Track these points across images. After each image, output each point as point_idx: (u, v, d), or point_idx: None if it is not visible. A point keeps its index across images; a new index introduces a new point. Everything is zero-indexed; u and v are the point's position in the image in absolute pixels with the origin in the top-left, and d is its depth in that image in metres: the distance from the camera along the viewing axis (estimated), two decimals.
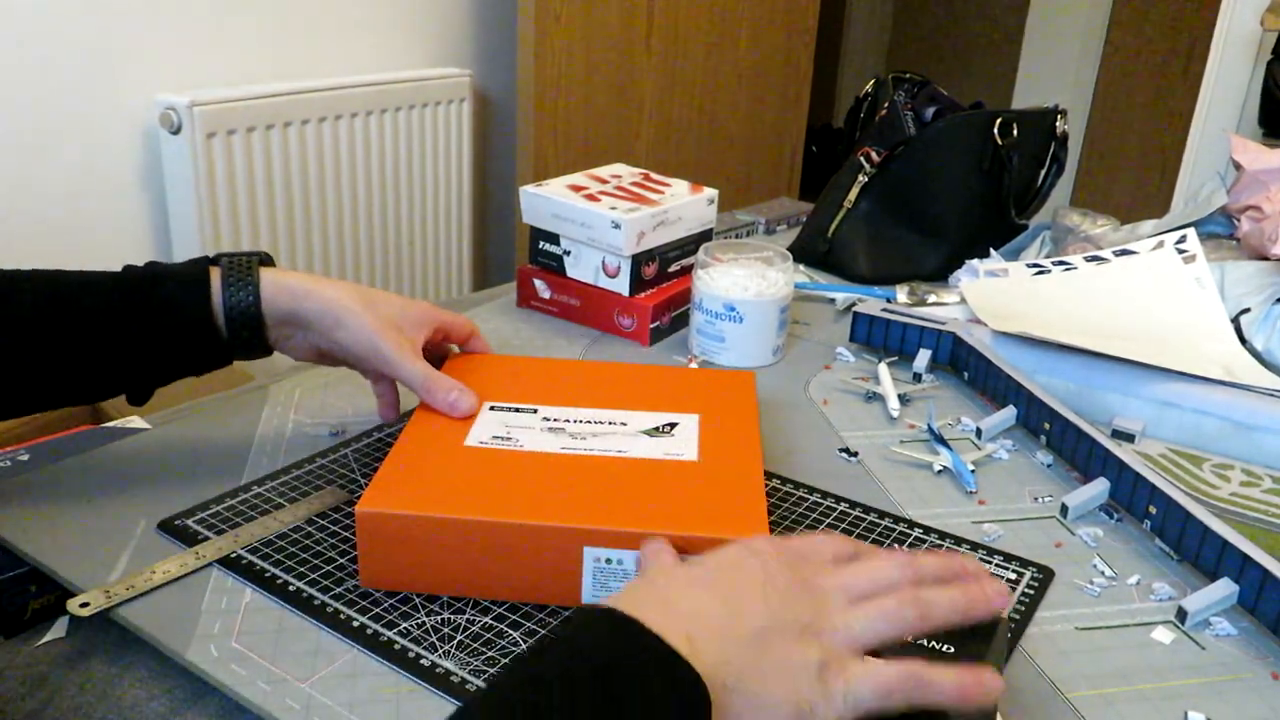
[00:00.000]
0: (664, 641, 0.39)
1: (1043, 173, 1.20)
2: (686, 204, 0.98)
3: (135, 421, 0.75)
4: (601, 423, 0.65)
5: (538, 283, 1.01)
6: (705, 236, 1.02)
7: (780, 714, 0.41)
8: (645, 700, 0.38)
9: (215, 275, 0.64)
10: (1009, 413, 0.81)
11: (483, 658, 0.52)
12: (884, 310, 0.94)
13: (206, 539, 0.61)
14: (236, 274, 0.64)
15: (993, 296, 0.96)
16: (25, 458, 0.69)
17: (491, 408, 0.67)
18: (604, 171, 1.05)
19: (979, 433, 0.80)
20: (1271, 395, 0.77)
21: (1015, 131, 1.13)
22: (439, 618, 0.55)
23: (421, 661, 0.52)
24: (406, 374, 0.67)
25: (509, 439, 0.63)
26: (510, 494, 0.56)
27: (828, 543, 0.48)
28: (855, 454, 0.77)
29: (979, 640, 0.50)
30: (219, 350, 0.65)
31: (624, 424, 0.65)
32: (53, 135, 1.46)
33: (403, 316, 0.70)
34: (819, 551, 0.48)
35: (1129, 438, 0.80)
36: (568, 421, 0.66)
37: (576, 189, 0.98)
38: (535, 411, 0.67)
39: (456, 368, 0.73)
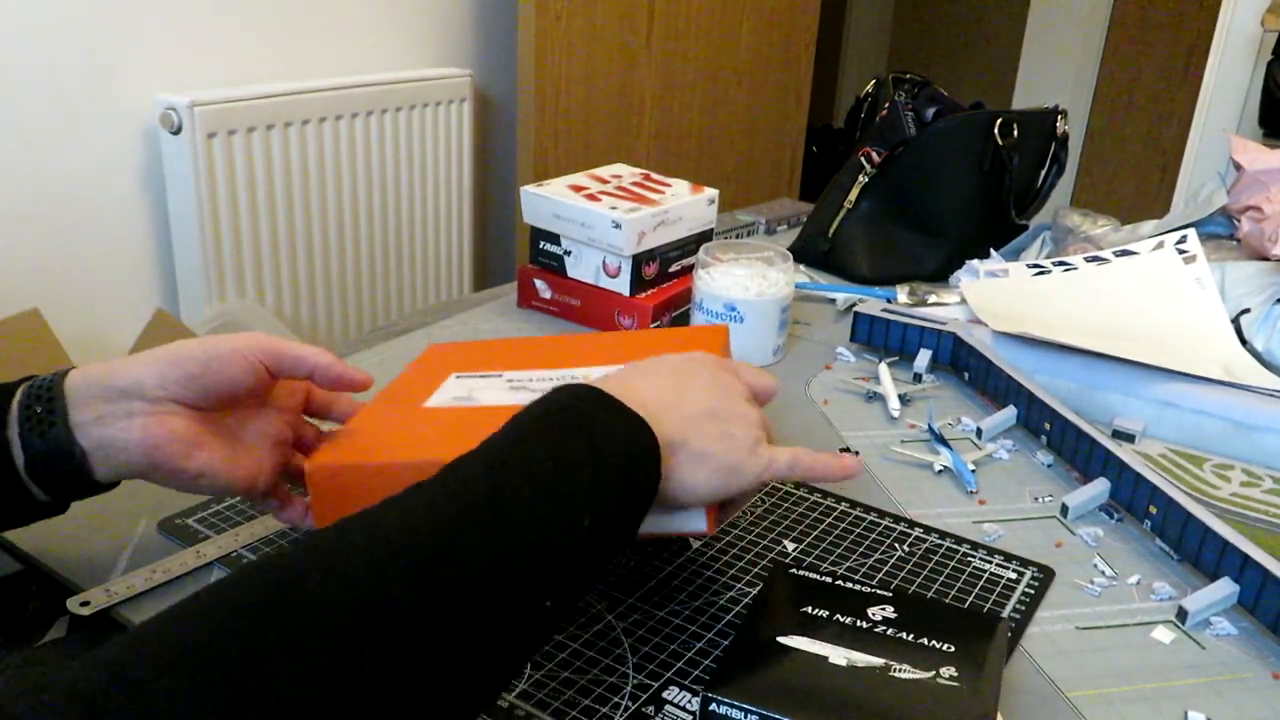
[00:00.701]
0: (624, 404, 0.48)
1: (1043, 173, 1.20)
2: (687, 204, 0.98)
3: None
4: (564, 380, 0.64)
5: (538, 283, 1.01)
6: (706, 236, 1.02)
7: (713, 465, 0.51)
8: (605, 434, 0.47)
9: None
10: (1009, 413, 0.81)
11: None
12: (884, 310, 0.94)
13: (207, 537, 0.61)
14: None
15: (993, 297, 0.96)
16: None
17: (458, 376, 0.65)
18: (604, 171, 1.05)
19: (979, 433, 0.80)
20: (1271, 395, 0.77)
21: (1015, 132, 1.13)
22: None
23: None
24: (298, 347, 0.56)
25: (469, 399, 0.62)
26: (463, 438, 0.50)
27: (749, 375, 0.58)
28: (856, 454, 0.77)
29: (979, 640, 0.50)
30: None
31: (587, 377, 0.64)
32: (53, 135, 1.46)
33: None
34: (742, 385, 0.57)
35: (1129, 438, 0.80)
36: (531, 380, 0.64)
37: (577, 189, 0.98)
38: (500, 375, 0.65)
39: (433, 355, 0.71)
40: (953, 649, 0.49)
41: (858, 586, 0.55)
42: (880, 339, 0.94)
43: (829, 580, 0.55)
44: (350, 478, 0.54)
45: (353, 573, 0.38)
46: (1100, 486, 0.71)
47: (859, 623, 0.51)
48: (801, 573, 0.56)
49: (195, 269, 1.59)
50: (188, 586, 0.57)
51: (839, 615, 0.52)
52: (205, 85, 1.61)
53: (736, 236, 1.31)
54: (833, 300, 1.08)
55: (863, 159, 1.15)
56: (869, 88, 1.24)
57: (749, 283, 0.90)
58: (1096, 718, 0.52)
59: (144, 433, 0.51)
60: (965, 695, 0.46)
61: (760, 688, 0.46)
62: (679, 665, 0.53)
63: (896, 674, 0.47)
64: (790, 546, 0.64)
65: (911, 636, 0.50)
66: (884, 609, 0.52)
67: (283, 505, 0.58)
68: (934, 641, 0.50)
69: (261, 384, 0.55)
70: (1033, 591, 0.61)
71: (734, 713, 0.46)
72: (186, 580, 0.57)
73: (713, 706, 0.46)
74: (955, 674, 0.47)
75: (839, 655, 0.48)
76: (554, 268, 0.99)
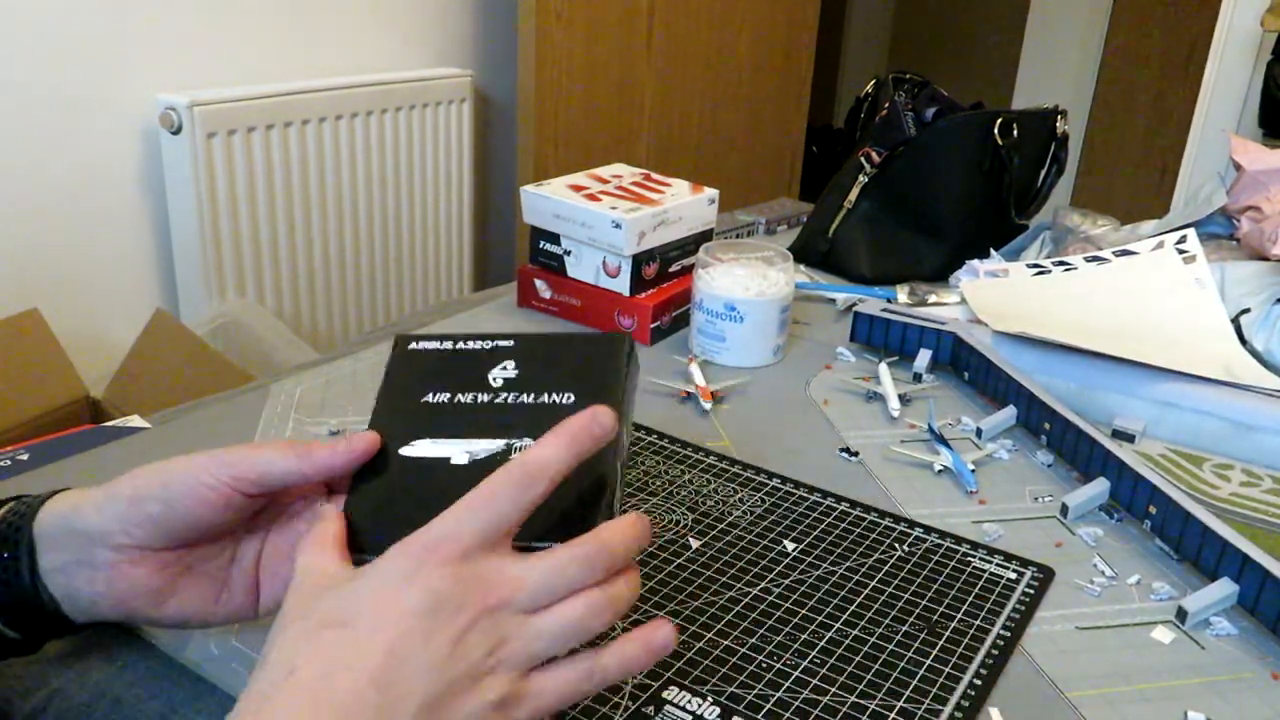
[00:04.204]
0: None
1: (1043, 173, 1.20)
2: (687, 204, 0.98)
3: (135, 421, 0.75)
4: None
5: (538, 283, 1.01)
6: (706, 236, 1.02)
7: None
8: None
9: None
10: (1009, 413, 0.81)
11: None
12: (884, 310, 0.94)
13: None
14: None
15: (993, 297, 0.96)
16: (25, 457, 0.69)
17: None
18: (605, 171, 1.05)
19: (979, 433, 0.80)
20: (1271, 395, 0.77)
21: (1015, 132, 1.13)
22: None
23: None
24: (266, 454, 0.46)
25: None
26: None
27: (503, 518, 0.41)
28: (856, 454, 0.77)
29: (599, 375, 0.49)
30: None
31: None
32: (53, 135, 1.46)
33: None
34: (493, 542, 0.41)
35: (1129, 438, 0.80)
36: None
37: (577, 189, 0.98)
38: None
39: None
40: (572, 398, 0.48)
41: (479, 345, 0.52)
42: (880, 339, 0.94)
43: (449, 348, 0.52)
44: None
45: None
46: (1100, 486, 0.71)
47: (479, 396, 0.49)
48: (420, 346, 0.53)
49: (195, 269, 1.59)
50: None
51: (460, 395, 0.50)
52: (205, 85, 1.61)
53: (736, 236, 1.31)
54: (833, 300, 1.08)
55: (863, 159, 1.15)
56: (869, 88, 1.24)
57: (749, 283, 0.90)
58: (1096, 718, 0.52)
59: (107, 586, 0.45)
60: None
61: (393, 528, 0.42)
62: (679, 665, 0.53)
63: (517, 451, 0.46)
64: (790, 546, 0.64)
65: (533, 396, 0.49)
66: (505, 368, 0.51)
67: None
68: (554, 396, 0.49)
69: (239, 514, 0.47)
70: (1032, 591, 0.61)
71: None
72: None
73: (354, 557, 0.43)
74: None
75: (460, 452, 0.47)
76: (554, 267, 0.99)
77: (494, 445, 0.47)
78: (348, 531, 0.45)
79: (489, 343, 0.52)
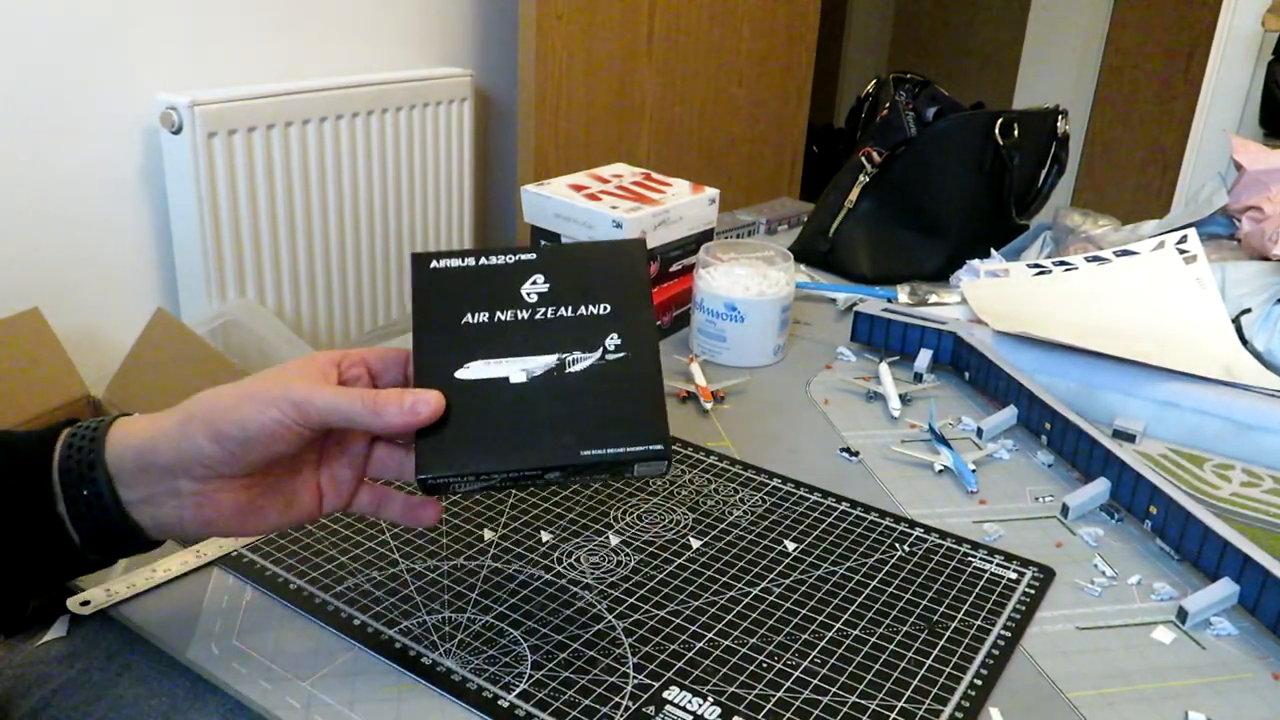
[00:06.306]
0: None
1: (1043, 173, 1.20)
2: (688, 204, 0.98)
3: None
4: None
5: None
6: (706, 236, 1.02)
7: None
8: None
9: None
10: (1010, 413, 0.81)
11: (483, 656, 0.53)
12: (885, 310, 0.94)
13: (208, 536, 0.61)
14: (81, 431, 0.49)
15: (993, 296, 0.96)
16: None
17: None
18: (605, 171, 1.05)
19: (980, 432, 0.80)
20: (1272, 395, 0.77)
21: (1016, 132, 1.13)
22: (439, 616, 0.55)
23: (422, 660, 0.52)
24: (341, 408, 0.47)
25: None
26: None
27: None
28: (856, 454, 0.77)
29: (628, 285, 0.52)
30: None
31: None
32: (53, 135, 1.46)
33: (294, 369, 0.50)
34: None
35: (1130, 438, 0.80)
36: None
37: (578, 188, 0.98)
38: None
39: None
40: (609, 308, 0.50)
41: (502, 260, 0.53)
42: (881, 339, 0.94)
43: (473, 264, 0.53)
44: None
45: None
46: (1101, 486, 0.71)
47: (519, 313, 0.51)
48: (444, 265, 0.53)
49: (195, 268, 1.59)
50: (189, 586, 0.57)
51: (499, 313, 0.51)
52: (205, 85, 1.61)
53: (737, 236, 1.31)
54: (833, 300, 1.08)
55: (863, 159, 1.15)
56: (870, 88, 1.24)
57: (749, 282, 0.90)
58: (1096, 718, 0.52)
59: (195, 513, 0.48)
60: (633, 364, 0.49)
61: (460, 447, 0.46)
62: (679, 665, 0.53)
63: (571, 368, 0.49)
64: (790, 546, 0.64)
65: (570, 310, 0.51)
66: (535, 282, 0.52)
67: (378, 508, 0.53)
68: (591, 308, 0.50)
69: (310, 444, 0.50)
70: (1033, 592, 0.61)
71: (449, 481, 0.47)
72: (187, 579, 0.57)
73: (426, 478, 0.47)
74: (620, 342, 0.49)
75: (516, 370, 0.49)
76: None
77: (548, 360, 0.49)
78: (419, 459, 0.48)
79: (511, 256, 0.53)
